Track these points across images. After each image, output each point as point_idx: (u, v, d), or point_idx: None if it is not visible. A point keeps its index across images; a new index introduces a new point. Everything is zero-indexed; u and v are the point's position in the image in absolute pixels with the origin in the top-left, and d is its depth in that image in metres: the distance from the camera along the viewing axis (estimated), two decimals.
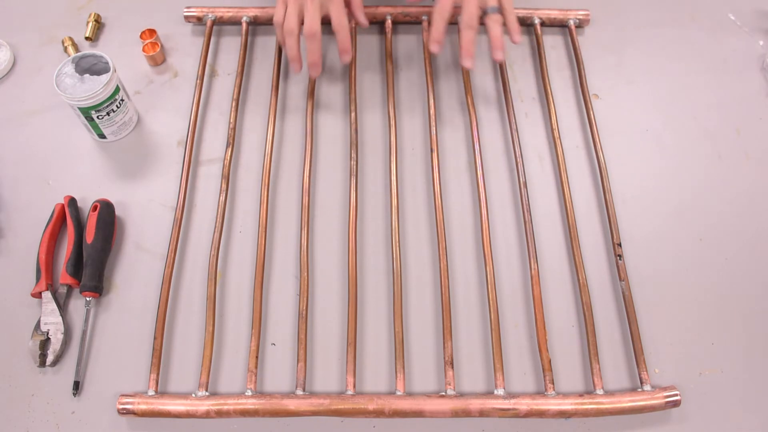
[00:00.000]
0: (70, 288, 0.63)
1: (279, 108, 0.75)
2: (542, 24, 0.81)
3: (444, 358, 0.58)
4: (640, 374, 0.58)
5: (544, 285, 0.64)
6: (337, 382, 0.59)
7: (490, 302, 0.60)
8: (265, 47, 0.80)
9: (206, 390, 0.57)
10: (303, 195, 0.67)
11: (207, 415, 0.55)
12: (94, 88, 0.66)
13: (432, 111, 0.72)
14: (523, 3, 0.82)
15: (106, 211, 0.65)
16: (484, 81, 0.78)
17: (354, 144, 0.70)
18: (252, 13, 0.80)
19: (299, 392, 0.56)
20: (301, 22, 0.69)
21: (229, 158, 0.69)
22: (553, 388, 0.57)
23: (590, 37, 0.82)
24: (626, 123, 0.75)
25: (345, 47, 0.71)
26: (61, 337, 0.60)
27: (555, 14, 0.81)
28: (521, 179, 0.68)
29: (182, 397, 0.56)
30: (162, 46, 0.79)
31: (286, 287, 0.64)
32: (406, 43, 0.81)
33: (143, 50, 0.78)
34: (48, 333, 0.60)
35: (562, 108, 0.75)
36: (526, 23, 0.81)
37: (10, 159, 0.71)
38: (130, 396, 0.56)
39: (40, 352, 0.59)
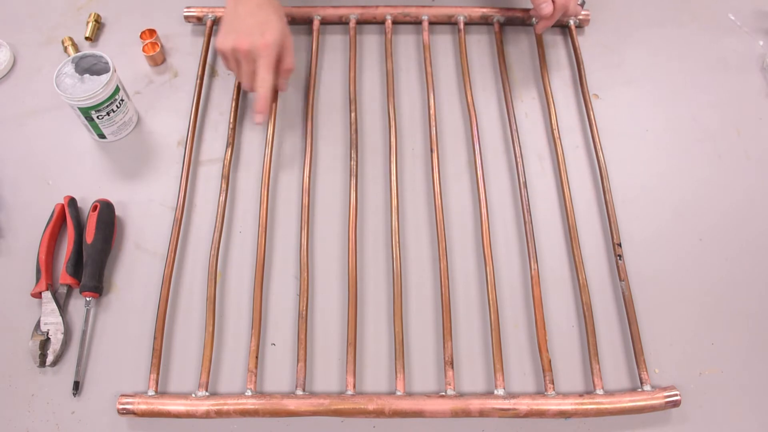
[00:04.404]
0: (70, 288, 0.63)
1: (279, 108, 0.75)
2: None
3: (444, 358, 0.58)
4: (640, 374, 0.58)
5: (544, 285, 0.64)
6: (337, 382, 0.59)
7: (490, 302, 0.60)
8: None
9: (206, 390, 0.57)
10: (303, 195, 0.67)
11: (207, 415, 0.55)
12: (94, 88, 0.66)
13: (432, 111, 0.72)
14: (524, 3, 0.82)
15: (106, 211, 0.65)
16: (485, 81, 0.78)
17: (354, 144, 0.70)
18: None
19: (299, 392, 0.56)
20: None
21: (229, 158, 0.69)
22: (553, 388, 0.57)
23: (590, 37, 0.82)
24: (626, 123, 0.75)
25: (260, 108, 0.66)
26: (61, 337, 0.60)
27: None
28: (521, 179, 0.68)
29: (182, 397, 0.56)
30: (162, 46, 0.79)
31: (286, 287, 0.64)
32: (406, 43, 0.81)
33: (143, 50, 0.78)
34: (48, 333, 0.60)
35: (562, 108, 0.75)
36: (526, 23, 0.81)
37: (10, 159, 0.71)
38: (130, 396, 0.56)
39: (40, 352, 0.59)
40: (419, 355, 0.60)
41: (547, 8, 0.72)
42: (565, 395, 0.56)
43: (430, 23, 0.81)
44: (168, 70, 0.79)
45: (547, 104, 0.74)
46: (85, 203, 0.68)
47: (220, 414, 0.55)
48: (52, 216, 0.65)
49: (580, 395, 0.56)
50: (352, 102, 0.73)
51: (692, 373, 0.60)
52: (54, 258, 0.65)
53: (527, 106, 0.76)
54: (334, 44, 0.81)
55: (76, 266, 0.62)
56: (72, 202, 0.66)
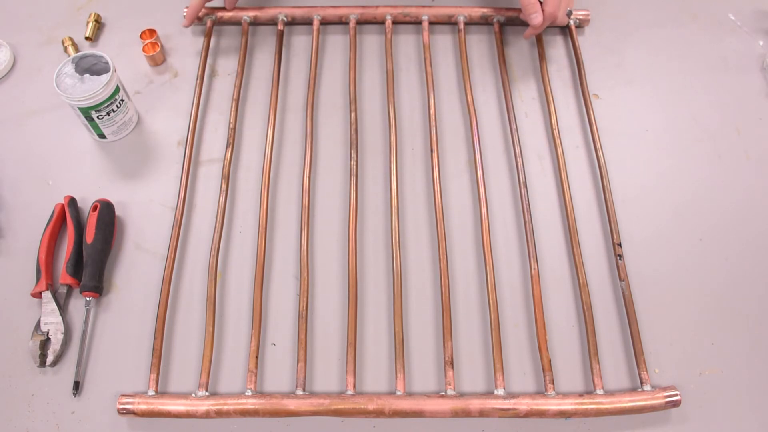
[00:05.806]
0: (70, 288, 0.63)
1: (279, 108, 0.75)
2: None
3: (444, 358, 0.58)
4: (640, 374, 0.58)
5: (544, 285, 0.64)
6: (337, 382, 0.59)
7: (490, 302, 0.60)
8: (265, 47, 0.80)
9: (206, 390, 0.57)
10: (303, 195, 0.67)
11: (207, 415, 0.55)
12: (94, 88, 0.66)
13: (432, 111, 0.72)
14: None
15: (106, 211, 0.65)
16: (485, 81, 0.78)
17: (354, 144, 0.70)
18: (252, 13, 0.80)
19: (299, 392, 0.56)
20: None
21: (229, 158, 0.69)
22: (553, 388, 0.57)
23: (590, 37, 0.82)
24: (626, 123, 0.75)
25: (186, 13, 0.77)
26: (61, 337, 0.60)
27: None
28: (521, 179, 0.68)
29: (182, 397, 0.56)
30: (162, 46, 0.79)
31: (286, 287, 0.64)
32: (406, 43, 0.81)
33: (143, 50, 0.78)
34: (48, 333, 0.60)
35: (562, 108, 0.75)
36: (526, 24, 0.81)
37: (10, 159, 0.71)
38: (130, 396, 0.56)
39: (40, 352, 0.59)
40: (419, 355, 0.60)
41: (537, 19, 0.75)
42: (565, 395, 0.56)
43: (430, 23, 0.81)
44: (168, 70, 0.79)
45: (547, 104, 0.74)
46: (85, 203, 0.68)
47: (220, 414, 0.55)
48: (52, 216, 0.65)
49: (580, 395, 0.56)
50: (352, 102, 0.73)
51: (692, 373, 0.60)
52: (54, 258, 0.65)
53: (527, 106, 0.76)
54: (334, 44, 0.81)
55: (76, 266, 0.62)
56: (72, 202, 0.66)
